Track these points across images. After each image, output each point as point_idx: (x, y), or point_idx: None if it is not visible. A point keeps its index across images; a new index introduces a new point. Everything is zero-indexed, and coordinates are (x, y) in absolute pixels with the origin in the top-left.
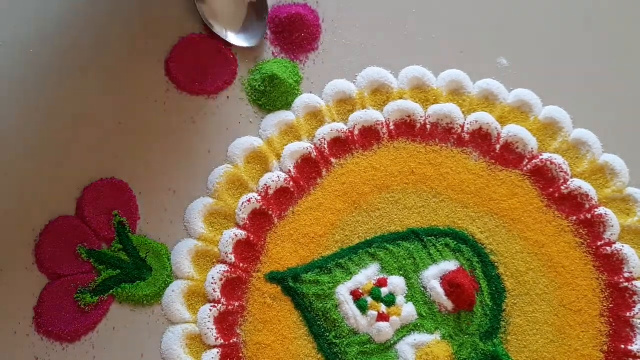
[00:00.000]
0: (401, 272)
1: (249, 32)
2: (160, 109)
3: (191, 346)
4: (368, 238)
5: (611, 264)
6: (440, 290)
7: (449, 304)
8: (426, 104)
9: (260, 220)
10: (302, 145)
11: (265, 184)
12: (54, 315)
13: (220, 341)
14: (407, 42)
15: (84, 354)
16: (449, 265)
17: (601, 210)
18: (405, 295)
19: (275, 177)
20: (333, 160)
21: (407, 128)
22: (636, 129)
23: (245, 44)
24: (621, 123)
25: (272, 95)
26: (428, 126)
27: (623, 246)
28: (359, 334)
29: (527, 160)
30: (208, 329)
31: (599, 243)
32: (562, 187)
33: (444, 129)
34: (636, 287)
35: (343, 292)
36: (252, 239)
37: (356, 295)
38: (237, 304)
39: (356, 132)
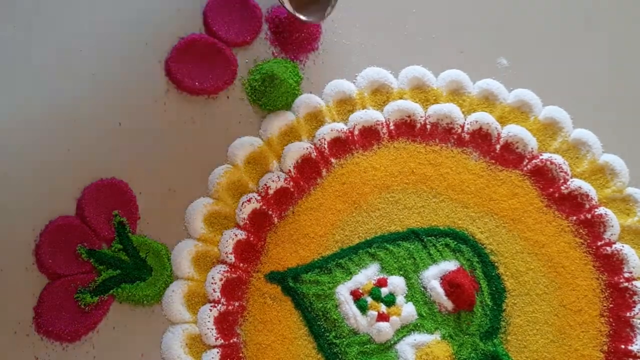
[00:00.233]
0: (401, 272)
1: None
2: (160, 109)
3: (191, 346)
4: (368, 238)
5: (611, 264)
6: (440, 290)
7: (449, 304)
8: (426, 104)
9: (260, 220)
10: (302, 145)
11: (265, 184)
12: (54, 315)
13: (220, 341)
14: (407, 42)
15: (84, 353)
16: (449, 265)
17: (601, 210)
18: (405, 295)
19: (275, 177)
20: (333, 160)
21: (407, 128)
22: (636, 129)
23: (312, 19)
24: (621, 123)
25: (272, 95)
26: (428, 126)
27: (623, 246)
28: (359, 334)
29: (527, 160)
30: (208, 329)
31: (599, 243)
32: (562, 187)
33: (444, 129)
34: (636, 287)
35: (343, 292)
36: (252, 239)
37: (356, 295)
38: (237, 304)
39: (356, 132)
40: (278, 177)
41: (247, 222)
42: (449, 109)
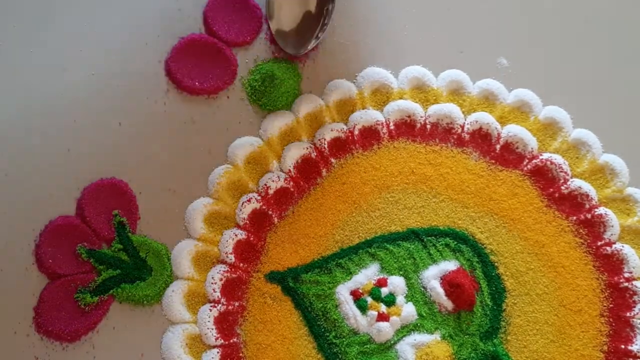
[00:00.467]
0: (401, 272)
1: (304, 39)
2: (160, 109)
3: (191, 346)
4: (368, 238)
5: (611, 264)
6: (440, 290)
7: (449, 304)
8: (426, 104)
9: (260, 220)
10: (302, 145)
11: (265, 184)
12: (54, 315)
13: (220, 341)
14: (407, 42)
15: (84, 353)
16: (449, 265)
17: (601, 210)
18: (405, 295)
19: (275, 177)
20: (333, 160)
21: (407, 128)
22: (636, 129)
23: (298, 52)
24: (621, 123)
25: (272, 95)
26: (428, 126)
27: (623, 246)
28: (359, 334)
29: (527, 160)
30: (208, 329)
31: (599, 243)
32: (562, 187)
33: (444, 129)
34: (636, 287)
35: (343, 292)
36: (252, 239)
37: (356, 295)
38: (237, 304)
39: (356, 132)
40: (278, 177)
41: (247, 222)
42: (449, 109)
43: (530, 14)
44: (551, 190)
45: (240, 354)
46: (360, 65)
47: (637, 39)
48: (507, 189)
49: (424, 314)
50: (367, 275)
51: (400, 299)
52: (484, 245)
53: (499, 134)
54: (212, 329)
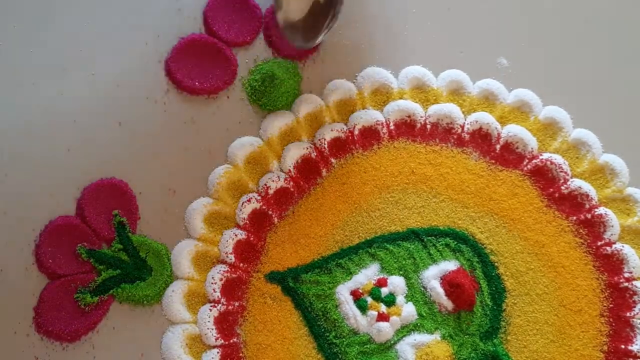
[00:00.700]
0: (401, 272)
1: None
2: (160, 109)
3: (191, 346)
4: (368, 238)
5: (611, 264)
6: (440, 290)
7: (449, 304)
8: (426, 104)
9: (260, 220)
10: (302, 145)
11: (265, 184)
12: (54, 315)
13: (220, 341)
14: (407, 42)
15: (84, 354)
16: (449, 265)
17: (601, 210)
18: (405, 295)
19: (275, 177)
20: (333, 160)
21: (407, 128)
22: (636, 129)
23: (306, 46)
24: (621, 123)
25: (272, 95)
26: (428, 126)
27: (623, 246)
28: (359, 334)
29: (527, 160)
30: (208, 329)
31: (599, 243)
32: (562, 187)
33: (444, 129)
34: (636, 287)
35: (343, 292)
36: (252, 239)
37: (356, 295)
38: (237, 304)
39: (356, 132)
40: (278, 177)
41: (247, 222)
42: (449, 109)
43: (530, 14)
44: (551, 190)
45: (240, 354)
46: (360, 65)
47: (636, 39)
48: (507, 189)
49: (424, 314)
50: (367, 275)
51: (400, 299)
52: (484, 245)
53: (499, 134)
54: (212, 329)
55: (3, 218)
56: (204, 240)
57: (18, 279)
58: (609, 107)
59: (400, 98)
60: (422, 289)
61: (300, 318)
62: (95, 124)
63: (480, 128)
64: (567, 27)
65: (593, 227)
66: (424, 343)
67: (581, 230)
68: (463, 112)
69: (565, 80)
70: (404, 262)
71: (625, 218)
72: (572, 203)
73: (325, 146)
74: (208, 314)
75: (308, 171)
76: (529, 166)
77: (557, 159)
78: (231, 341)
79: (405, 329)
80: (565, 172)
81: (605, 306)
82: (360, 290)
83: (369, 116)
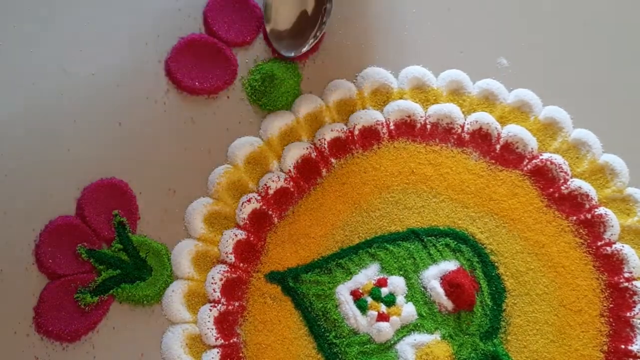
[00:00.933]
0: (401, 272)
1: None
2: (160, 109)
3: (191, 346)
4: (368, 238)
5: (611, 264)
6: (440, 290)
7: (449, 304)
8: (426, 104)
9: (260, 220)
10: (302, 145)
11: (265, 184)
12: (54, 315)
13: (220, 341)
14: (407, 42)
15: (84, 354)
16: (449, 265)
17: (601, 210)
18: (405, 295)
19: (275, 177)
20: (333, 160)
21: (407, 128)
22: (636, 129)
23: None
24: (621, 123)
25: (272, 95)
26: (428, 126)
27: (623, 246)
28: (359, 334)
29: (527, 160)
30: (208, 329)
31: (599, 243)
32: (562, 187)
33: (444, 129)
34: (636, 287)
35: (343, 292)
36: (252, 239)
37: (356, 295)
38: (237, 304)
39: (356, 132)
40: (278, 177)
41: (247, 222)
42: (449, 109)
43: (530, 14)
44: (551, 190)
45: (240, 354)
46: (360, 65)
47: (636, 40)
48: (507, 189)
49: (424, 314)
50: (367, 275)
51: (400, 299)
52: (484, 245)
53: (499, 134)
54: (212, 329)
55: (3, 218)
56: (204, 240)
57: (18, 279)
58: (609, 107)
59: (400, 98)
60: (422, 289)
61: (300, 318)
62: (95, 124)
63: (480, 128)
64: (567, 28)
65: (593, 227)
66: (424, 343)
67: (581, 230)
68: (463, 112)
69: (566, 80)
70: (404, 262)
71: (625, 218)
72: (572, 203)
73: (325, 146)
74: (208, 314)
75: (308, 171)
76: (529, 166)
77: (557, 159)
78: (231, 341)
79: (405, 329)
80: (565, 172)
81: (605, 306)
82: (360, 290)
83: (369, 116)
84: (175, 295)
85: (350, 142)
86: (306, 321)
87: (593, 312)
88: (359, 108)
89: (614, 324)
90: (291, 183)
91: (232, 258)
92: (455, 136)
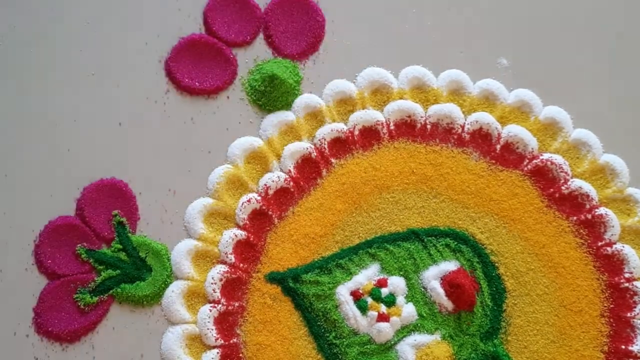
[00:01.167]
0: (401, 273)
1: None
2: (160, 109)
3: (191, 346)
4: (368, 238)
5: (612, 265)
6: (440, 290)
7: (449, 305)
8: (426, 104)
9: (260, 221)
10: (302, 145)
11: (265, 184)
12: (54, 316)
13: (220, 341)
14: (407, 42)
15: (84, 354)
16: (449, 265)
17: (601, 210)
18: (405, 295)
19: (275, 177)
20: (333, 160)
21: (407, 128)
22: (636, 129)
23: None
24: (621, 123)
25: (272, 95)
26: (428, 126)
27: (623, 246)
28: (359, 334)
29: (527, 161)
30: (208, 329)
31: (600, 243)
32: (563, 187)
33: (444, 129)
34: (636, 287)
35: (343, 292)
36: (252, 239)
37: (356, 296)
38: (237, 304)
39: (356, 132)
40: (278, 177)
41: (247, 222)
42: (449, 109)
43: (530, 14)
44: (551, 190)
45: (240, 355)
46: (360, 65)
47: (636, 40)
48: (507, 189)
49: (424, 315)
50: (367, 275)
51: (400, 300)
52: (484, 246)
53: (499, 134)
54: (212, 330)
55: (3, 218)
56: (204, 240)
57: (18, 279)
58: (610, 107)
59: (401, 98)
60: (423, 290)
61: (300, 318)
62: (95, 124)
63: (481, 128)
64: (567, 28)
65: (593, 228)
66: (424, 343)
67: (581, 231)
68: (463, 112)
69: (566, 80)
70: (404, 263)
71: (626, 218)
72: (573, 203)
73: (325, 146)
74: (208, 314)
75: (308, 171)
76: (529, 166)
77: (558, 159)
78: (231, 341)
79: (406, 330)
80: (566, 172)
81: (605, 306)
82: (361, 291)
83: (369, 116)
84: (175, 296)
85: (350, 142)
86: (306, 321)
87: (593, 312)
88: (359, 108)
89: (614, 325)
90: (291, 183)
91: (232, 258)
92: (455, 136)
